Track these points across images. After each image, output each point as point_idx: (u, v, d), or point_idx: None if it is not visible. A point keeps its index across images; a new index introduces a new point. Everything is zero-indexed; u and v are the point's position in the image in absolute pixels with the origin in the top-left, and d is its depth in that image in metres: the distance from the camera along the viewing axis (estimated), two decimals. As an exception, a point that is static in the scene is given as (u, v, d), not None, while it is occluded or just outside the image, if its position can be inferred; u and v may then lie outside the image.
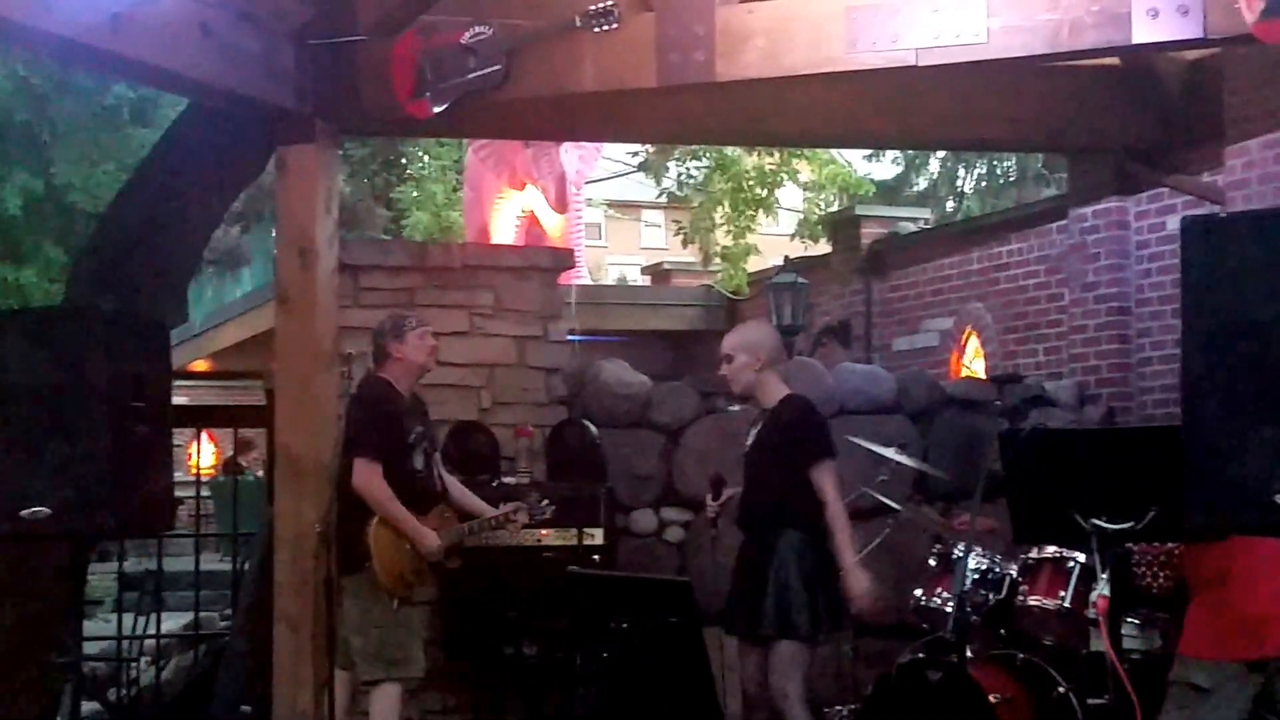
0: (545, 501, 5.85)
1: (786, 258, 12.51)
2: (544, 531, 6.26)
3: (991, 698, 5.22)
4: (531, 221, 11.53)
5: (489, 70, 5.72)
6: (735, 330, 5.83)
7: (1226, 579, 4.58)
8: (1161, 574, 5.24)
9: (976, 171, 22.94)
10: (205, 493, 10.67)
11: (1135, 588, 5.31)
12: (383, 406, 5.49)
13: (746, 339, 5.60)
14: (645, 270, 21.07)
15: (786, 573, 5.29)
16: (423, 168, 17.77)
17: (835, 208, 15.70)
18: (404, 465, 5.52)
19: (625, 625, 4.51)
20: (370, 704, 5.48)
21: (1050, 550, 5.66)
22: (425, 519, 5.55)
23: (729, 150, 15.51)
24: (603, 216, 27.62)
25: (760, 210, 16.05)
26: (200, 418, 9.69)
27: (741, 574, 5.50)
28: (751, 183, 15.84)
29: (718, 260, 16.15)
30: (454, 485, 5.94)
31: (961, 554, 5.70)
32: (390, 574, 5.41)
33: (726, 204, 15.95)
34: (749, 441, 5.58)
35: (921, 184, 23.12)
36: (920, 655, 5.62)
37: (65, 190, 15.29)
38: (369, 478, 5.35)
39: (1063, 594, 5.55)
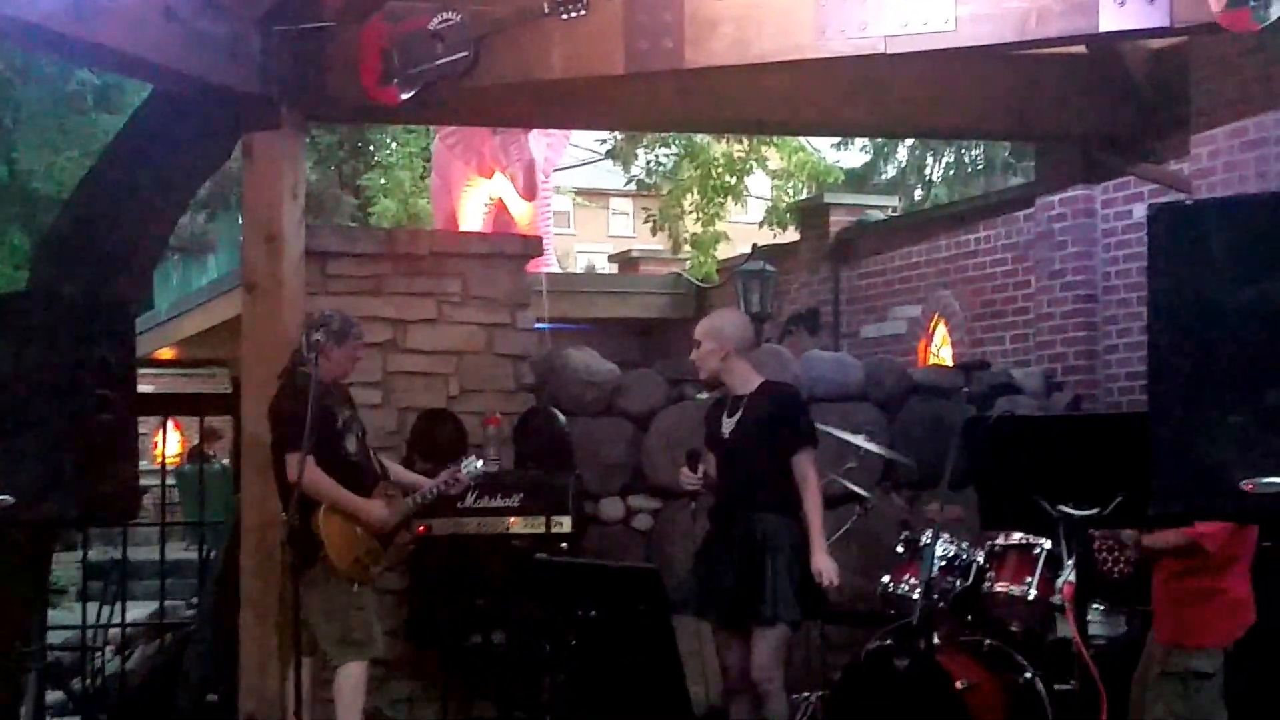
0: (473, 457, 5.86)
1: (755, 245, 12.47)
2: (512, 519, 6.26)
3: (958, 684, 5.25)
4: (500, 209, 11.51)
5: (457, 57, 5.70)
6: (708, 316, 5.85)
7: (1228, 565, 4.65)
8: (1120, 559, 5.26)
9: (944, 160, 22.95)
10: (171, 481, 10.62)
11: (1095, 573, 5.34)
12: (299, 401, 5.33)
13: (714, 325, 5.62)
14: (613, 258, 20.99)
15: (783, 558, 5.29)
16: (390, 155, 17.70)
17: (804, 195, 15.70)
18: (338, 451, 5.49)
19: (593, 613, 4.50)
20: (336, 684, 5.46)
21: (1017, 537, 5.69)
22: (370, 499, 5.54)
23: (698, 138, 15.52)
24: (571, 204, 27.57)
25: (729, 198, 16.06)
26: (166, 405, 9.62)
27: (725, 560, 5.42)
28: (720, 170, 15.85)
29: (687, 248, 16.16)
30: (393, 467, 5.94)
31: (929, 541, 5.72)
32: (345, 559, 5.39)
33: (695, 191, 15.95)
34: (728, 429, 5.53)
35: (890, 172, 23.12)
36: (888, 642, 5.64)
37: (28, 176, 15.14)
38: (299, 468, 5.22)
39: (1029, 580, 5.59)
